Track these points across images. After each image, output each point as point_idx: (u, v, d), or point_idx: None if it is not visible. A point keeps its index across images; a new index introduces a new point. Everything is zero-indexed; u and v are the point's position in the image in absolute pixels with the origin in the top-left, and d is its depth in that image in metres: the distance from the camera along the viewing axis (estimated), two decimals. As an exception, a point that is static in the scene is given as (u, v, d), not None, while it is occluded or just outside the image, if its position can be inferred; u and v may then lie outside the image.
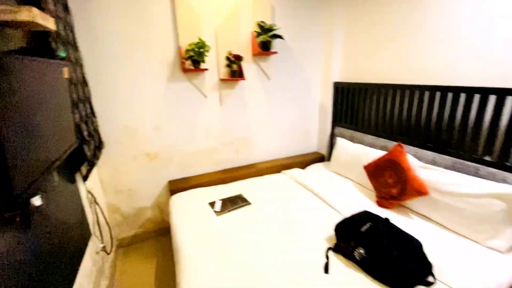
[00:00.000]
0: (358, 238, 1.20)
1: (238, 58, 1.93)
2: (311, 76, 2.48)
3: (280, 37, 1.99)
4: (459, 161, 1.48)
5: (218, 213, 1.65)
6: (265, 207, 1.71)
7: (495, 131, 1.34)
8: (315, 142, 2.76)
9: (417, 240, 1.19)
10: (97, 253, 1.50)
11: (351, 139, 2.25)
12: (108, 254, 1.69)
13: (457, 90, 1.47)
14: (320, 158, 2.66)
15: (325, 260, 1.21)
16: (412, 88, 1.71)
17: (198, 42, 1.76)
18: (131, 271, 1.82)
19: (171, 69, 1.88)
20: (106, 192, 1.91)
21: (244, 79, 1.99)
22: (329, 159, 2.53)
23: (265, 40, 1.97)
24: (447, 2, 1.52)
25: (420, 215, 1.56)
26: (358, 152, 2.03)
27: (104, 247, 1.58)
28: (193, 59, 1.78)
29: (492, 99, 1.33)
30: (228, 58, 1.95)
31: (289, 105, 2.45)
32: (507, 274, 1.13)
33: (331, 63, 2.37)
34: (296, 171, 2.29)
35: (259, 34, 1.97)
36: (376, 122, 2.04)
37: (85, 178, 1.41)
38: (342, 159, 2.18)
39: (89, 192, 1.52)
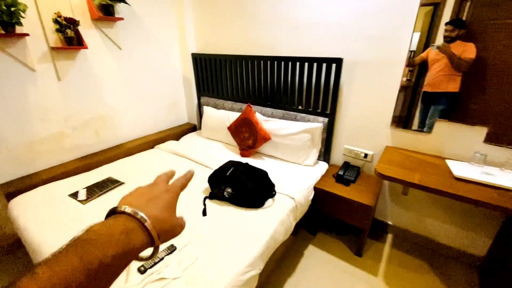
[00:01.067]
0: (225, 181, 1.51)
1: (72, 22, 1.63)
2: (169, 47, 2.46)
3: (123, 1, 1.83)
4: (287, 112, 2.07)
5: (84, 201, 1.50)
6: (142, 182, 1.71)
7: (302, 89, 1.96)
8: (185, 113, 2.87)
9: (264, 171, 1.64)
10: None
11: (215, 106, 2.53)
12: None
13: (280, 59, 1.98)
14: (193, 128, 2.83)
15: (202, 207, 1.45)
16: (253, 58, 2.11)
17: (2, -3, 1.33)
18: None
19: (-41, 32, 1.34)
20: None
21: (85, 47, 1.73)
22: (200, 127, 2.74)
23: (106, 3, 1.75)
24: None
25: (268, 155, 2.10)
26: (222, 116, 2.34)
27: None
28: (1, 21, 1.34)
29: (297, 65, 1.91)
30: (57, 22, 1.61)
31: (151, 77, 2.37)
32: (314, 178, 1.82)
33: (185, 34, 2.44)
34: (169, 143, 2.35)
35: (95, -5, 1.72)
36: (232, 89, 2.39)
37: None
38: (210, 125, 2.44)
39: None
